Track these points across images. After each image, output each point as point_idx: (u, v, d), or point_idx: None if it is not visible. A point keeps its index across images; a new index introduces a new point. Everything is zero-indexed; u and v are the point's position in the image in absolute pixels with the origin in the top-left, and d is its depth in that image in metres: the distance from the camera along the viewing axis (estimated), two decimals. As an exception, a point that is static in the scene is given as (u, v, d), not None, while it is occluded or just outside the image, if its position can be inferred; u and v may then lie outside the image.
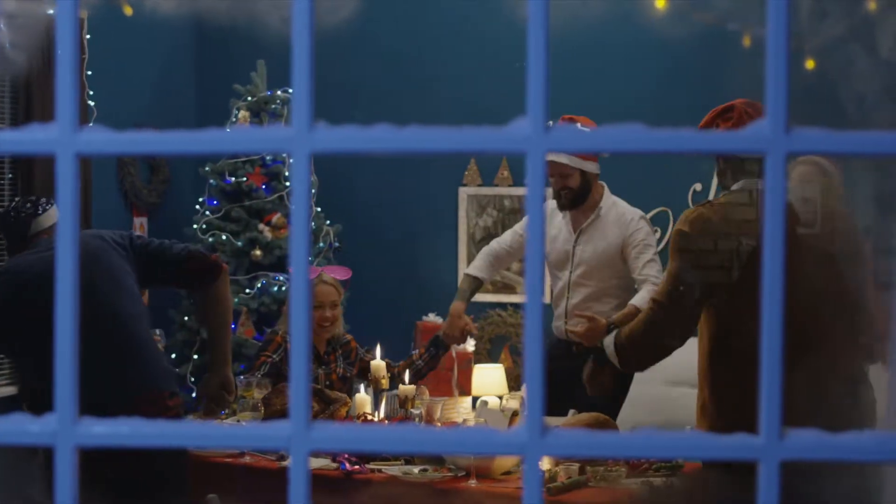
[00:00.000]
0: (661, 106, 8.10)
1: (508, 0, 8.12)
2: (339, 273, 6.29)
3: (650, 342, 4.52)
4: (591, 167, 6.35)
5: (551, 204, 6.53)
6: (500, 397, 6.34)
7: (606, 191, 6.45)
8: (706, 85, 7.90)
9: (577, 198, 6.35)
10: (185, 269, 4.91)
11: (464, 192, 8.86)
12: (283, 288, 8.34)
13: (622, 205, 6.40)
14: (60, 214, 1.08)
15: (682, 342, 4.48)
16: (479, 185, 8.92)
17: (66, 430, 1.10)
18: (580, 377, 6.10)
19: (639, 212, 6.39)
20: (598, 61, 8.46)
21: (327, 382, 6.07)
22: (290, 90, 8.58)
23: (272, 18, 8.64)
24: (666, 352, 4.58)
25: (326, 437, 1.11)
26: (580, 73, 8.30)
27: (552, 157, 6.18)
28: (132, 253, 4.80)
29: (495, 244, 6.76)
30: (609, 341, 4.62)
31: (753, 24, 6.55)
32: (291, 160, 1.10)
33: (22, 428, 1.10)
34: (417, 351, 6.50)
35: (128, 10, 7.94)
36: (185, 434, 1.14)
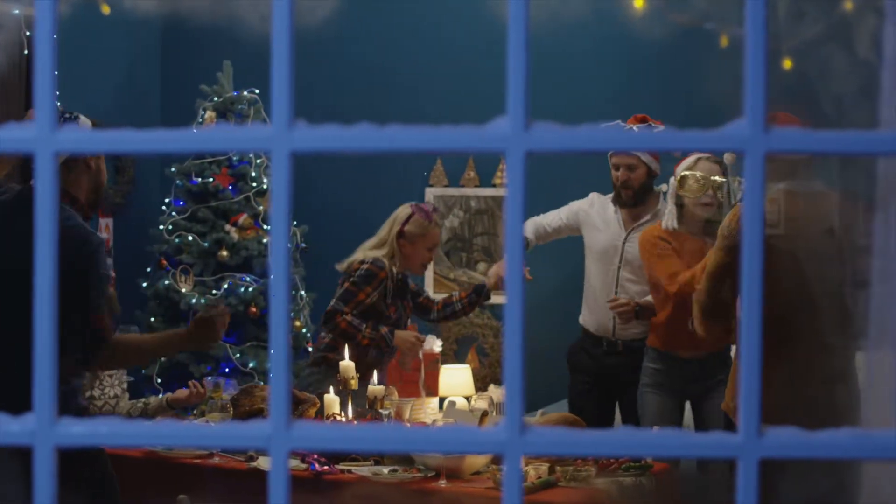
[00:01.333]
0: (639, 105, 8.13)
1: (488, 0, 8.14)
2: (429, 216, 6.37)
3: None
4: (656, 166, 6.39)
5: (595, 196, 6.59)
6: (468, 398, 6.35)
7: (661, 197, 6.49)
8: (684, 84, 7.95)
9: (638, 195, 6.39)
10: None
11: (430, 193, 8.86)
12: (250, 289, 8.31)
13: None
14: (39, 214, 1.08)
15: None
16: (446, 186, 8.92)
17: (45, 430, 1.09)
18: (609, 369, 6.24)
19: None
20: (576, 61, 8.48)
21: (406, 316, 6.34)
22: (257, 91, 8.59)
23: (242, 18, 8.61)
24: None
25: (306, 437, 1.11)
26: (559, 72, 8.32)
27: None
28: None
29: (540, 218, 6.80)
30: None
31: (731, 24, 6.58)
32: (271, 159, 1.10)
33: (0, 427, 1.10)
34: (459, 293, 6.58)
35: (105, 9, 7.91)
36: (164, 434, 1.14)
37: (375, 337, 6.00)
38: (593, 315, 6.57)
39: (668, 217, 6.04)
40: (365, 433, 1.12)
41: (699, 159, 5.86)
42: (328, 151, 1.11)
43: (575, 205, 6.76)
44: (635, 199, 6.42)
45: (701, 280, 4.94)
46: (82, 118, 4.63)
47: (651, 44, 7.88)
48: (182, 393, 5.58)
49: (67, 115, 4.67)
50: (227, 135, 1.12)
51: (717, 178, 5.86)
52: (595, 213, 6.61)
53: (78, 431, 1.10)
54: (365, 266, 6.19)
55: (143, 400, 5.76)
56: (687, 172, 5.87)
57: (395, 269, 6.19)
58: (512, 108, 1.10)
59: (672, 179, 6.03)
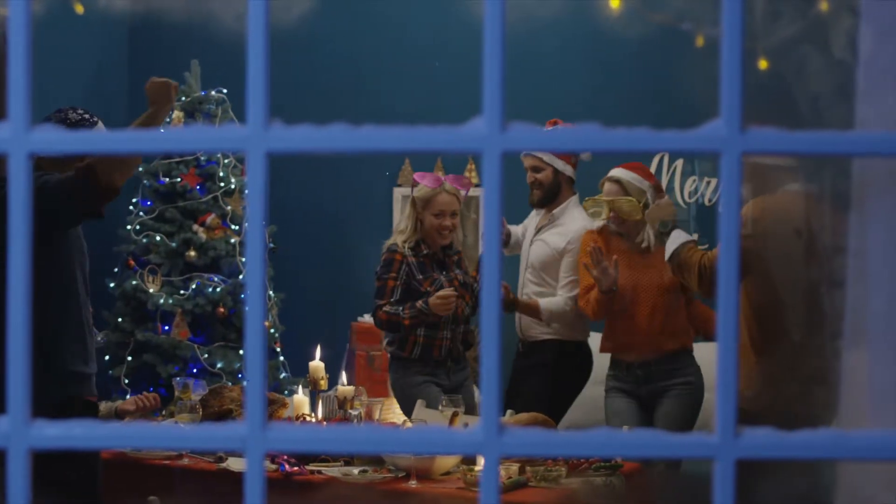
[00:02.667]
0: (615, 105, 8.16)
1: (465, -1, 8.17)
2: (459, 183, 6.31)
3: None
4: (564, 168, 6.39)
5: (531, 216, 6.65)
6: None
7: (573, 200, 6.48)
8: (660, 84, 7.97)
9: (546, 197, 6.40)
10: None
11: (398, 193, 8.84)
12: (218, 289, 8.29)
13: (578, 216, 6.40)
14: (13, 214, 1.07)
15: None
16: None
17: (19, 432, 1.08)
18: (524, 377, 6.25)
19: (586, 228, 6.38)
20: (552, 60, 8.49)
21: (452, 287, 6.16)
22: (225, 90, 8.57)
23: (211, 17, 8.59)
24: None
25: (282, 438, 1.11)
26: (535, 72, 8.33)
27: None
28: None
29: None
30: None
31: (707, 24, 6.61)
32: (247, 160, 1.09)
33: (-27, 430, 1.09)
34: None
35: (79, 8, 7.88)
36: (139, 435, 1.13)
37: (414, 314, 6.02)
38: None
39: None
40: (340, 435, 1.12)
41: (605, 181, 6.13)
42: (304, 151, 1.10)
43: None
44: (543, 199, 6.44)
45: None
46: (100, 125, 4.65)
47: (627, 43, 7.91)
48: (129, 404, 5.53)
49: (87, 118, 4.66)
50: (203, 135, 1.11)
51: (611, 198, 6.06)
52: (529, 220, 6.66)
53: (52, 433, 1.09)
54: (382, 256, 6.27)
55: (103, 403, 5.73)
56: (589, 199, 6.23)
57: (410, 246, 6.19)
58: (488, 108, 1.10)
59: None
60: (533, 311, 6.26)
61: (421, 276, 6.13)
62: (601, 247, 6.02)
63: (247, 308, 1.10)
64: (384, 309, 6.09)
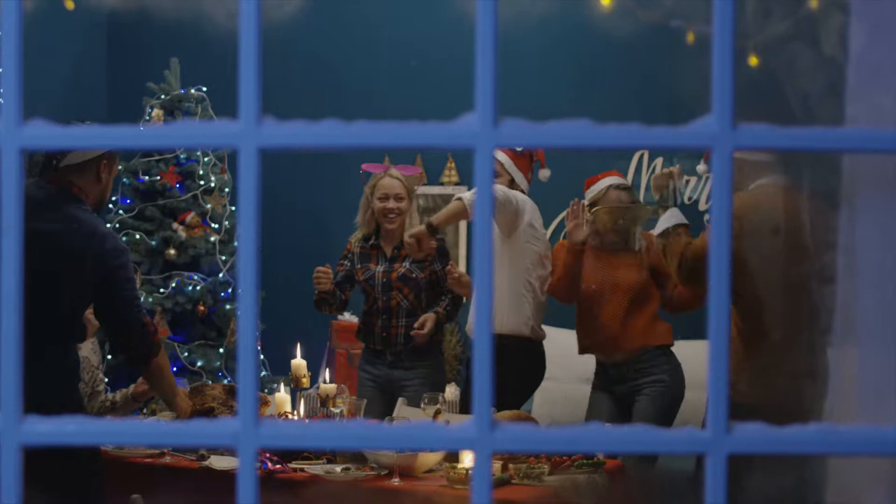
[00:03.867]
0: (606, 102, 8.17)
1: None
2: (408, 169, 6.36)
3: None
4: (521, 181, 6.36)
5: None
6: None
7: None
8: (651, 81, 7.99)
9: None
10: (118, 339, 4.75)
11: (376, 190, 8.84)
12: (198, 288, 8.27)
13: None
14: (4, 211, 1.07)
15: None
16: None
17: (11, 428, 1.08)
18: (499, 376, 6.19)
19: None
20: (542, 57, 8.50)
21: (384, 280, 6.30)
22: (205, 88, 8.55)
23: (191, 15, 8.57)
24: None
25: (274, 434, 1.11)
26: (526, 69, 8.34)
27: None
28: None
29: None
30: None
31: (697, 21, 6.62)
32: (239, 156, 1.09)
33: (-35, 427, 1.09)
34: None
35: (69, 4, 7.85)
36: (131, 432, 1.13)
37: (335, 289, 6.34)
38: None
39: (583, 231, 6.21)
40: (333, 431, 1.12)
41: (609, 188, 6.11)
42: (296, 147, 1.10)
43: None
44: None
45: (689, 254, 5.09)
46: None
47: (617, 41, 7.92)
48: (140, 385, 5.56)
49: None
50: (195, 131, 1.11)
51: (626, 205, 6.06)
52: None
53: (44, 430, 1.09)
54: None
55: (108, 397, 5.71)
56: (599, 207, 6.09)
57: (360, 237, 6.34)
58: (480, 104, 1.10)
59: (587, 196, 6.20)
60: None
61: (359, 266, 6.31)
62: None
63: (239, 305, 1.10)
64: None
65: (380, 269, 6.29)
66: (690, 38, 6.97)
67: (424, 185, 8.93)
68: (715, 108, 1.10)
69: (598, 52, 8.33)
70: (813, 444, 1.12)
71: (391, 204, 6.31)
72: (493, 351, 1.11)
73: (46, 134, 1.08)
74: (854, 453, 1.14)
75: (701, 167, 5.66)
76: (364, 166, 6.45)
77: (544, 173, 6.49)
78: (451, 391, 6.15)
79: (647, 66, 8.07)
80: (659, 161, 8.29)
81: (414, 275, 6.34)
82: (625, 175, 8.30)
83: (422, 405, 5.42)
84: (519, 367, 6.31)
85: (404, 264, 6.35)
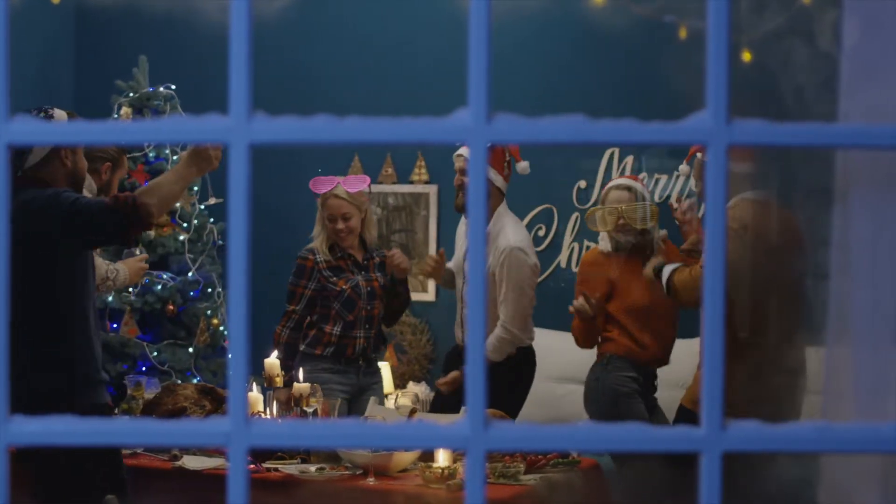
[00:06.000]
0: (598, 97, 8.17)
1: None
2: (354, 184, 6.33)
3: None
4: (495, 177, 6.35)
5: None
6: (386, 395, 6.33)
7: (500, 209, 6.44)
8: (643, 76, 7.99)
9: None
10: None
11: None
12: (168, 287, 8.23)
13: (507, 230, 6.38)
14: (-9, 206, 1.05)
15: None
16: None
17: (-2, 429, 1.06)
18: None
19: (516, 244, 6.36)
20: (537, 52, 8.50)
21: (368, 289, 6.29)
22: (173, 87, 8.52)
23: (160, 12, 8.53)
24: None
25: (265, 434, 1.09)
26: (519, 63, 8.34)
27: (462, 151, 6.24)
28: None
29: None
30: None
31: (690, 17, 6.64)
32: (229, 152, 1.08)
33: (-49, 427, 1.07)
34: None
35: (55, -1, 7.83)
36: (119, 432, 1.12)
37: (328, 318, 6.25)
38: (461, 328, 6.55)
39: (602, 242, 6.22)
40: (324, 430, 1.11)
41: (610, 189, 6.14)
42: (287, 143, 1.09)
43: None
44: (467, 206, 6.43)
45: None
46: (57, 111, 4.63)
47: (611, 36, 7.94)
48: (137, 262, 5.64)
49: (44, 112, 4.64)
50: (184, 126, 1.09)
51: (621, 205, 6.05)
52: (461, 233, 6.67)
53: (31, 429, 1.07)
54: (296, 262, 6.43)
55: (109, 276, 5.73)
56: (596, 208, 6.13)
57: (324, 249, 6.29)
58: (474, 99, 1.09)
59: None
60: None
61: (335, 278, 6.22)
62: (608, 271, 6.04)
63: (230, 302, 1.09)
64: (285, 333, 6.31)
65: (360, 278, 6.27)
66: (683, 33, 6.99)
67: (394, 182, 8.93)
68: (710, 103, 1.09)
69: (591, 47, 8.34)
70: (808, 442, 1.11)
71: (340, 225, 6.32)
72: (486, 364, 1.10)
73: (34, 129, 1.07)
74: (849, 450, 1.14)
75: (683, 167, 5.66)
76: (312, 184, 6.42)
77: (522, 166, 6.46)
78: (423, 390, 6.15)
79: (639, 61, 8.08)
80: (629, 160, 8.30)
81: (387, 284, 6.40)
82: (593, 176, 8.34)
83: (395, 404, 5.42)
84: (517, 374, 6.34)
85: (377, 274, 6.38)
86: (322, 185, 6.33)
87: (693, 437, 1.10)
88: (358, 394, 6.15)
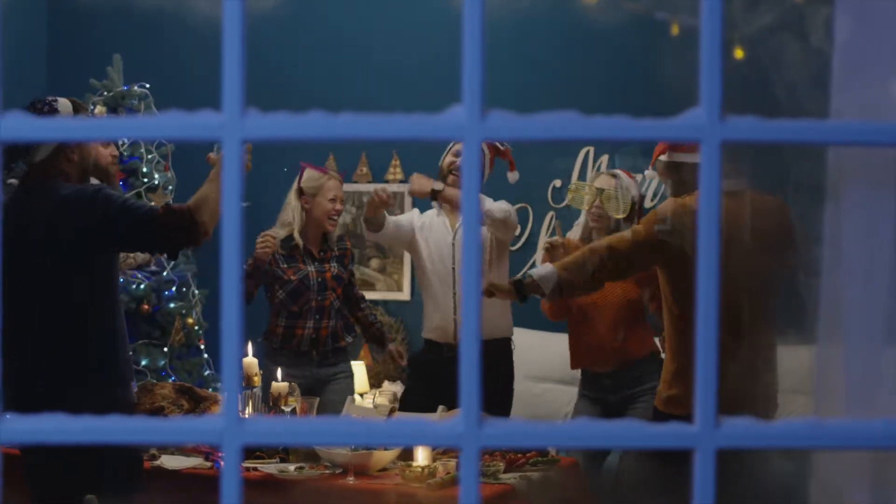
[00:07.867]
0: (593, 93, 8.18)
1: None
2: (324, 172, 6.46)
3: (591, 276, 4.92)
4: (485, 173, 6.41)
5: (417, 211, 6.61)
6: (361, 394, 6.32)
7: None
8: (635, 73, 8.00)
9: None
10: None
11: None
12: (142, 286, 8.20)
13: (486, 201, 6.40)
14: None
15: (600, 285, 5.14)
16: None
17: (-10, 427, 1.06)
18: (449, 375, 6.20)
19: (494, 204, 6.39)
20: (529, 49, 8.51)
21: (319, 280, 6.31)
22: (147, 85, 8.49)
23: (135, 9, 8.50)
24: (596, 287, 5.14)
25: (259, 432, 1.09)
26: (512, 60, 8.35)
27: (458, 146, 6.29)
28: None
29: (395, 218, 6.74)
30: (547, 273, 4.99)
31: (682, 13, 6.66)
32: (223, 148, 1.07)
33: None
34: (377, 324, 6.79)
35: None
36: (111, 430, 1.11)
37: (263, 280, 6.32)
38: (435, 322, 6.51)
39: (574, 229, 6.23)
40: (318, 427, 1.10)
41: (600, 174, 6.17)
42: (280, 140, 1.08)
43: (408, 214, 6.76)
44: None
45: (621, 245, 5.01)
46: (62, 102, 4.57)
47: (602, 32, 7.95)
48: None
49: (48, 102, 4.57)
50: (176, 122, 1.09)
51: (604, 188, 6.05)
52: (427, 221, 6.61)
53: (23, 427, 1.07)
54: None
55: None
56: (580, 182, 6.16)
57: (281, 238, 6.29)
58: (468, 96, 1.08)
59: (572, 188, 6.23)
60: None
61: (285, 266, 6.25)
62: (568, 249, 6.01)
63: (223, 298, 1.08)
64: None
65: (311, 269, 6.29)
66: (675, 30, 7.00)
67: (369, 182, 8.92)
68: (703, 100, 1.09)
69: (582, 44, 8.35)
70: (801, 438, 1.11)
71: (339, 206, 6.38)
72: (481, 356, 1.09)
73: (25, 126, 1.06)
74: (842, 447, 1.14)
75: (649, 172, 5.68)
76: (305, 164, 6.44)
77: (513, 176, 6.48)
78: (399, 389, 6.13)
79: (631, 58, 8.09)
80: (604, 158, 8.31)
81: (343, 275, 6.43)
82: (566, 178, 8.35)
83: (373, 403, 5.41)
84: (507, 367, 6.36)
85: (333, 265, 6.40)
86: (321, 169, 6.39)
87: (687, 434, 1.10)
88: (315, 386, 6.15)
